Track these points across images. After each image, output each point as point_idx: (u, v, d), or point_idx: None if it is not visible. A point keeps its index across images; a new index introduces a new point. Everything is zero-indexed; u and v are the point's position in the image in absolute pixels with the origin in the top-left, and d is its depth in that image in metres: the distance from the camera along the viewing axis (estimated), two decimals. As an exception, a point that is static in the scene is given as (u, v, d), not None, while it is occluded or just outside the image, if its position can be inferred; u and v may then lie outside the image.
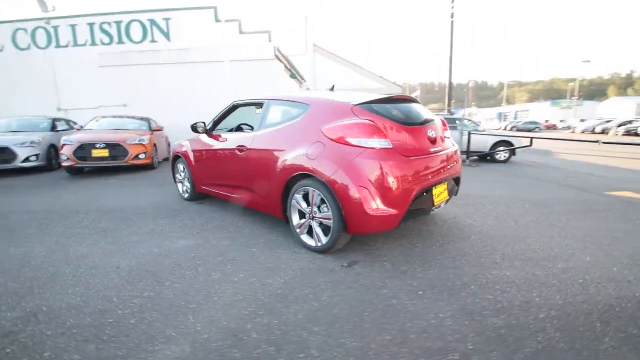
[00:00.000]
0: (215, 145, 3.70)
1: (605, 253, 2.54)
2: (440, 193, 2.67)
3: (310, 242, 2.67)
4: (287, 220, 2.89)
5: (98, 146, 6.56)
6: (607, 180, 5.96)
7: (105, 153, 6.61)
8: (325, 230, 2.56)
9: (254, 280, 2.21)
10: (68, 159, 6.46)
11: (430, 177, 2.52)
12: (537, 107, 58.71)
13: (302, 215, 2.73)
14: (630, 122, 24.25)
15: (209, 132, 3.87)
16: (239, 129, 4.04)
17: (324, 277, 2.23)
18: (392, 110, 2.58)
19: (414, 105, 2.86)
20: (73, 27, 10.40)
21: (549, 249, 2.64)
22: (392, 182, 2.28)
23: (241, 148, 3.22)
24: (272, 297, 2.00)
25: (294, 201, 2.72)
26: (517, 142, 9.03)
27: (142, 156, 6.98)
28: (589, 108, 51.16)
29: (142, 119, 8.43)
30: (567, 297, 1.92)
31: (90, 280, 2.28)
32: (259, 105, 3.38)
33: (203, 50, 9.34)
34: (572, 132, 30.04)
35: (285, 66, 11.74)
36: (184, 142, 4.47)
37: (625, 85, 78.53)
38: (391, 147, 2.34)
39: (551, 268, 2.30)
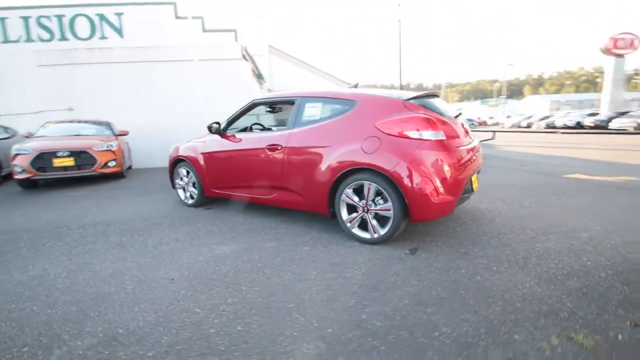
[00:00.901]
0: (234, 145, 3.55)
1: (609, 223, 3.00)
2: (475, 180, 2.91)
3: (364, 234, 2.72)
4: (332, 216, 2.91)
5: (60, 154, 5.80)
6: (556, 166, 6.88)
7: (69, 162, 5.86)
8: (381, 221, 2.64)
9: (331, 276, 2.21)
10: (23, 170, 5.61)
11: (471, 165, 2.74)
12: (469, 105, 64.97)
13: (350, 209, 2.78)
14: (548, 117, 28.13)
15: (223, 133, 3.69)
16: (250, 129, 3.92)
17: (397, 265, 2.31)
18: (433, 105, 2.75)
19: (441, 100, 3.07)
20: (2, 20, 8.98)
21: (564, 223, 3.03)
22: (449, 171, 2.45)
23: (273, 147, 3.14)
24: (362, 288, 2.03)
25: (343, 196, 2.75)
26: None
27: (111, 164, 6.33)
28: (511, 105, 58.06)
29: (99, 123, 7.61)
30: (609, 259, 2.26)
31: (151, 295, 2.07)
32: (286, 103, 3.34)
33: (168, 49, 8.73)
34: (502, 127, 33.84)
35: (252, 68, 11.48)
36: (186, 144, 4.19)
37: (538, 85, 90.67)
38: (445, 138, 2.51)
39: (579, 238, 2.66)
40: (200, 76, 9.22)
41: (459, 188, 2.53)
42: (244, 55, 10.39)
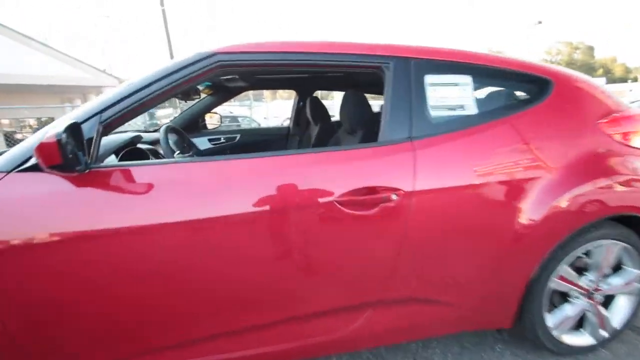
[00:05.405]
0: (180, 209, 0.99)
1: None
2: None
3: (581, 339, 1.40)
4: (512, 327, 1.34)
5: None
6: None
7: None
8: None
9: None
10: None
11: None
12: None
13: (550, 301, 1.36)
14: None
15: (89, 167, 0.97)
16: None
17: None
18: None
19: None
20: None
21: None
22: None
23: (371, 196, 1.06)
24: None
25: (554, 279, 1.28)
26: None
27: None
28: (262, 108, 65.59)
29: None
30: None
31: None
32: (350, 68, 1.27)
33: None
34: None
35: None
36: None
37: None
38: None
39: None
40: None
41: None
42: None
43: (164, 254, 1.01)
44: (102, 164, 1.01)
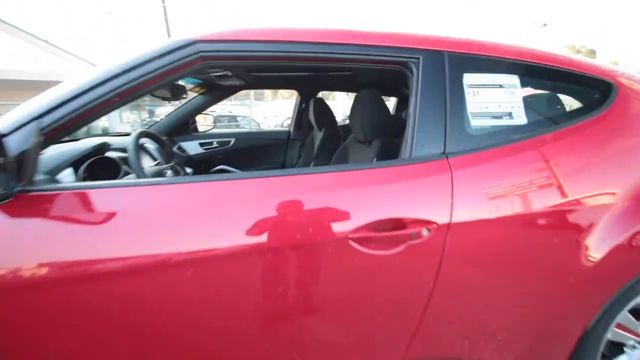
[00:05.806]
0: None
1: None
2: None
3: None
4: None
5: None
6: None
7: None
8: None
9: None
10: None
11: None
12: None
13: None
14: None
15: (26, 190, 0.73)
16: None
17: None
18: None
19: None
20: None
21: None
22: None
23: (395, 236, 0.81)
24: None
25: (613, 329, 1.05)
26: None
27: None
28: (264, 107, 65.35)
29: None
30: None
31: None
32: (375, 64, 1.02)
33: None
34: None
35: None
36: None
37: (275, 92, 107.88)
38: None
39: None
40: None
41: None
42: None
43: (119, 307, 0.76)
44: (39, 187, 0.76)
